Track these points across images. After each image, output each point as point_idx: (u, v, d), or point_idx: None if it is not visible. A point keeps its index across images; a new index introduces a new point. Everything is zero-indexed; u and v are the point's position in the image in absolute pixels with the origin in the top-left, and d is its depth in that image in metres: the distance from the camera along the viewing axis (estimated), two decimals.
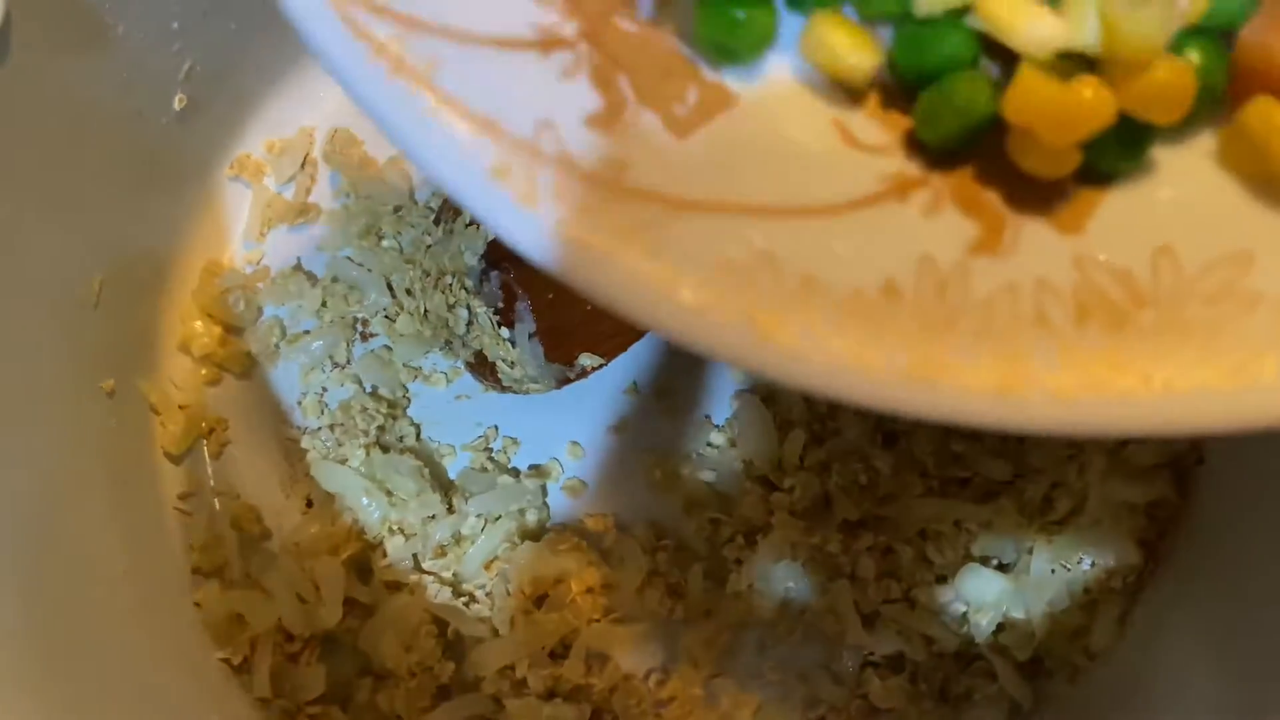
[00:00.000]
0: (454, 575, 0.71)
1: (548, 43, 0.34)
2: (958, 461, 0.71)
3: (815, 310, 0.32)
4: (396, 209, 0.77)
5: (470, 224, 0.72)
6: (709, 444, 0.74)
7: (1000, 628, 0.68)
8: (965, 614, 0.68)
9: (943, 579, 0.69)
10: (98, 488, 0.66)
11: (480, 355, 0.70)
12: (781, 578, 0.69)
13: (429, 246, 0.74)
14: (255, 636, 0.69)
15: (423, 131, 0.32)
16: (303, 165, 0.80)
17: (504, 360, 0.69)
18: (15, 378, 0.60)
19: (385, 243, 0.77)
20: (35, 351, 0.62)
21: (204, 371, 0.75)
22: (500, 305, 0.69)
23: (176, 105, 0.72)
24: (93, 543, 0.64)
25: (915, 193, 0.35)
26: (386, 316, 0.76)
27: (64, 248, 0.65)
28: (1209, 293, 0.32)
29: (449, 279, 0.72)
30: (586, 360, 0.69)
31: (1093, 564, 0.68)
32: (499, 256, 0.71)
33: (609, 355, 0.69)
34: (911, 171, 0.35)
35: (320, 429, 0.74)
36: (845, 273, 0.32)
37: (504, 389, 0.71)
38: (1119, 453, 0.68)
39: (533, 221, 0.32)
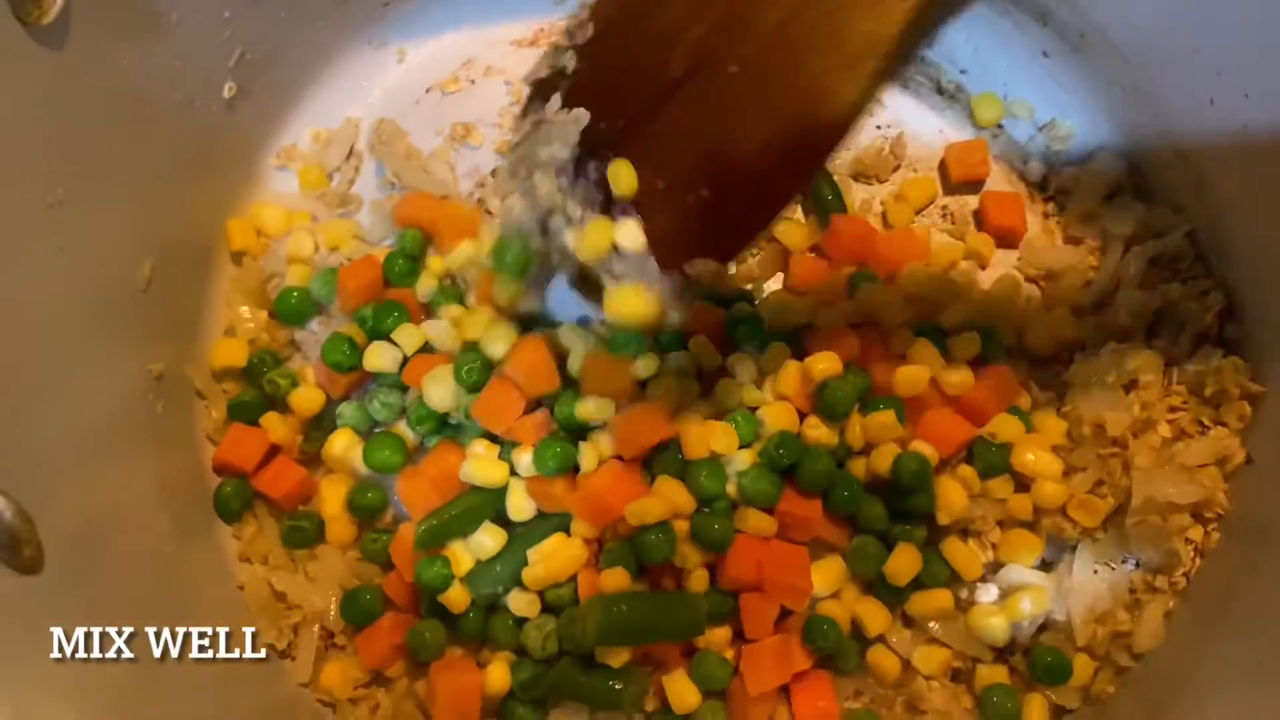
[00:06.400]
0: None
1: None
2: None
3: None
4: None
5: (562, 107, 0.59)
6: None
7: (1042, 628, 0.68)
8: (1007, 614, 0.67)
9: (983, 579, 0.69)
10: (143, 469, 0.67)
11: (583, 272, 0.61)
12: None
13: (516, 146, 0.62)
14: (298, 623, 0.69)
15: None
16: (348, 155, 0.81)
17: (610, 274, 0.59)
18: (68, 359, 0.60)
19: None
20: (87, 333, 0.63)
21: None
22: (601, 202, 0.58)
23: (226, 93, 0.73)
24: (137, 524, 0.65)
25: None
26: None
27: (116, 231, 0.65)
28: None
29: (538, 178, 0.61)
30: (701, 264, 0.58)
31: (1137, 564, 0.67)
32: (597, 141, 0.59)
33: (726, 256, 0.60)
34: None
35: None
36: None
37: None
38: (1164, 451, 0.67)
39: None
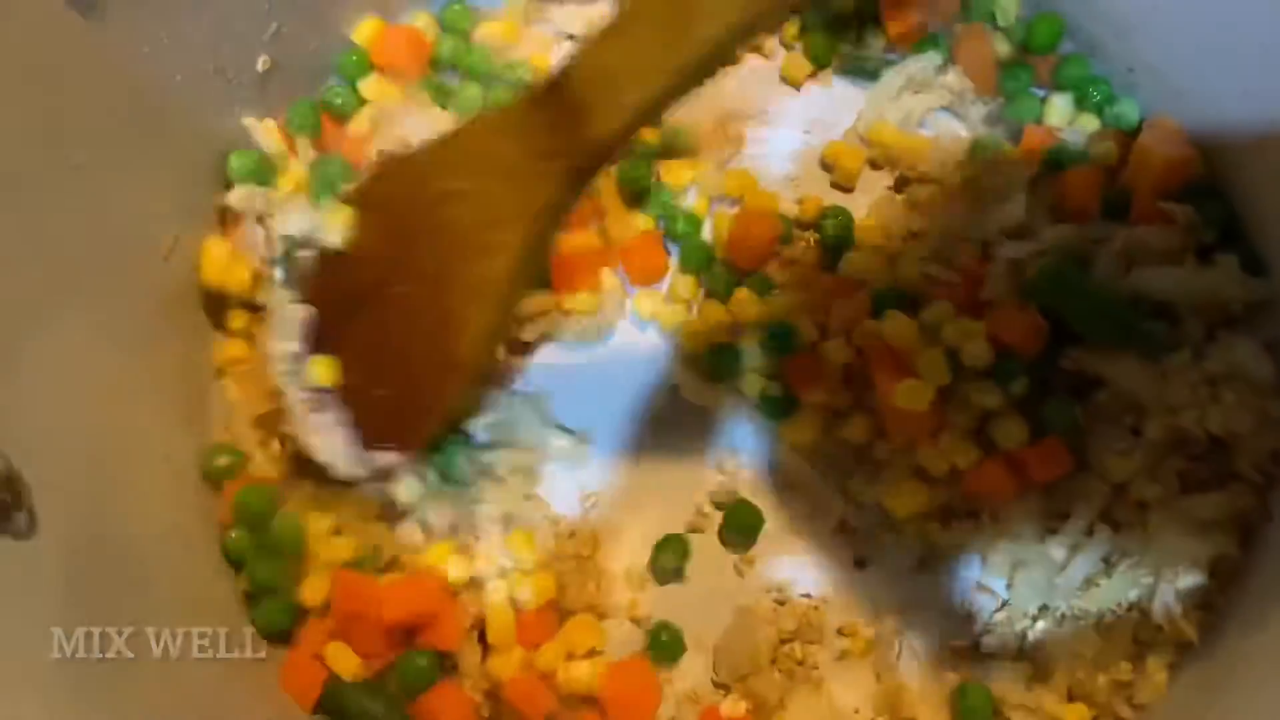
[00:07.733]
0: None
1: None
2: None
3: None
4: None
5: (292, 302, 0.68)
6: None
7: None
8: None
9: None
10: (149, 451, 0.67)
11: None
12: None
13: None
14: None
15: None
16: None
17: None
18: (77, 320, 0.60)
19: None
20: (100, 292, 0.62)
21: None
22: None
23: (260, 66, 0.72)
24: (138, 520, 0.64)
25: None
26: None
27: (140, 200, 0.65)
28: None
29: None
30: (383, 457, 0.67)
31: (1143, 613, 0.65)
32: (319, 338, 0.68)
33: (403, 448, 0.67)
34: None
35: None
36: None
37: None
38: (1178, 505, 0.65)
39: None
